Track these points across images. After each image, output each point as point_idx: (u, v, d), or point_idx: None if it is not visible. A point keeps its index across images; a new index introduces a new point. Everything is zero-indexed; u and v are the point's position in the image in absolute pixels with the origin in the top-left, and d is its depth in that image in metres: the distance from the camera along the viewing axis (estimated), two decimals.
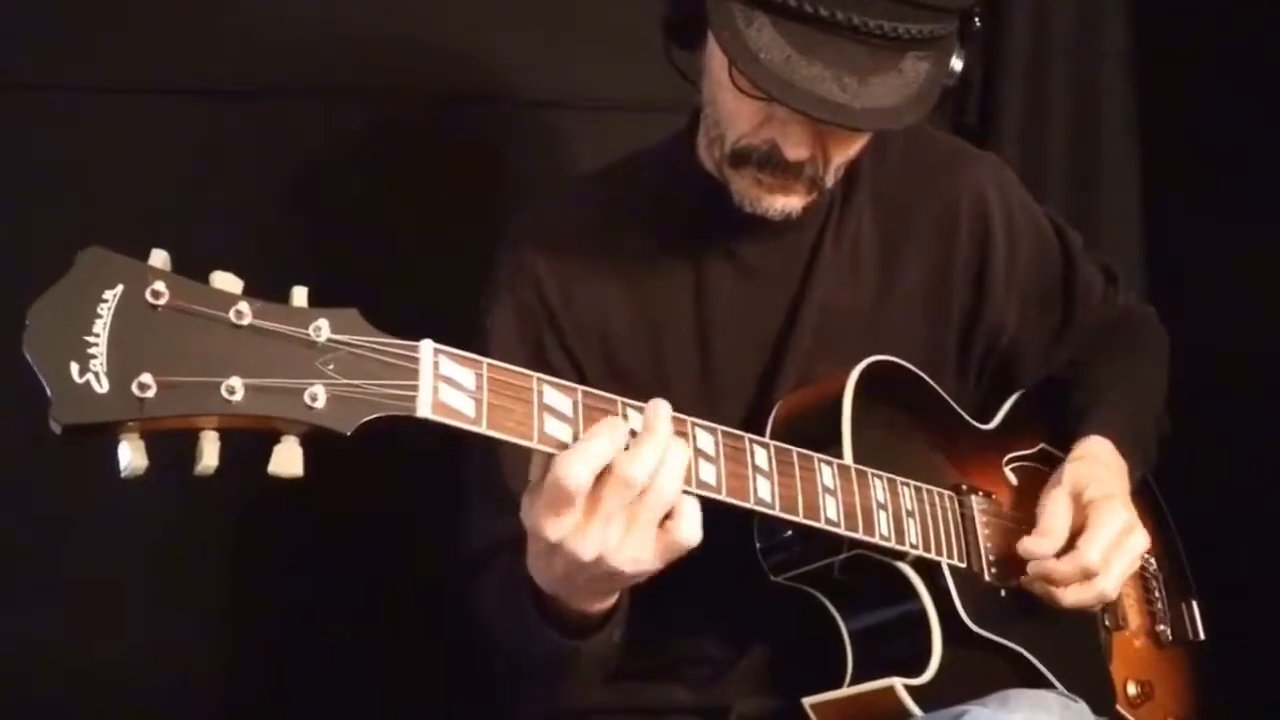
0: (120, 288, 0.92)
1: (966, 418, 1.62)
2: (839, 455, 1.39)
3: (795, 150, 1.40)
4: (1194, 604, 1.77)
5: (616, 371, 1.54)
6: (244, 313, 0.97)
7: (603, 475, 1.11)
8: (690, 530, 1.16)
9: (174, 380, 0.92)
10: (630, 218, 1.58)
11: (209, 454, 0.96)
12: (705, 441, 1.23)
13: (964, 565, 1.48)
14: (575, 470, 1.10)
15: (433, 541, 1.65)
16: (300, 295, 1.02)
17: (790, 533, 1.42)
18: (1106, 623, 1.64)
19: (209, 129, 2.01)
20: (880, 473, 1.41)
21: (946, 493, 1.50)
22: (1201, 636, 1.76)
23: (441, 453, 1.41)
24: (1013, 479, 1.62)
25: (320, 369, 0.99)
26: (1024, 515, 1.55)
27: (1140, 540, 1.49)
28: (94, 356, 0.90)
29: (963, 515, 1.51)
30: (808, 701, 1.45)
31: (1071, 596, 1.46)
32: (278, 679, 2.02)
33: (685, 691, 1.57)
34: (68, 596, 1.92)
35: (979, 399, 1.70)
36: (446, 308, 1.44)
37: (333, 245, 2.05)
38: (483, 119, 2.13)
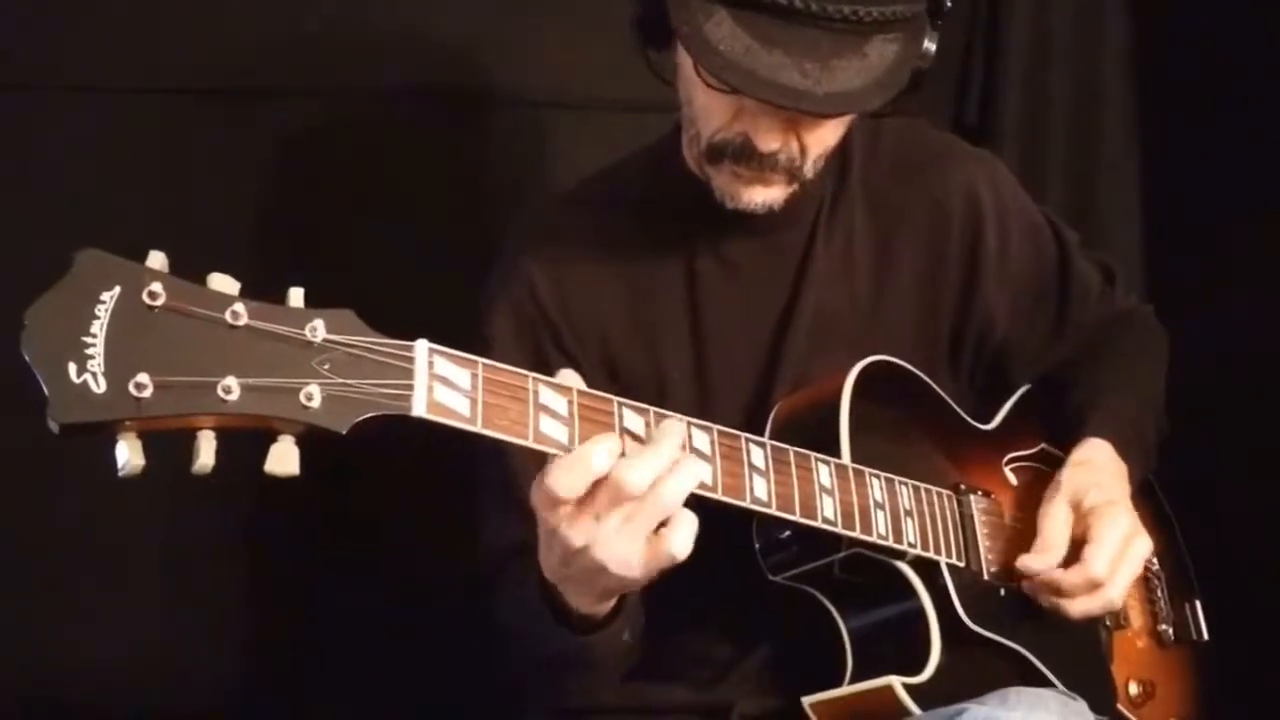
0: (117, 289, 0.93)
1: (965, 417, 1.62)
2: (838, 456, 1.39)
3: (767, 141, 1.40)
4: (1197, 604, 1.77)
5: (614, 374, 1.55)
6: (240, 313, 0.98)
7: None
8: (681, 544, 1.16)
9: (171, 380, 0.93)
10: (622, 221, 1.59)
11: (205, 453, 0.96)
12: (701, 441, 1.23)
13: (963, 564, 1.48)
14: (564, 481, 1.11)
15: (436, 540, 1.66)
16: (296, 296, 1.03)
17: (788, 532, 1.42)
18: (1108, 622, 1.64)
19: (209, 129, 2.02)
20: (878, 472, 1.41)
21: (945, 492, 1.50)
22: (1205, 636, 1.76)
23: (444, 451, 1.42)
24: (1012, 479, 1.62)
25: (316, 369, 1.00)
26: (1024, 515, 1.55)
27: (1143, 546, 1.49)
28: (91, 357, 0.91)
29: (961, 515, 1.51)
30: (807, 701, 1.45)
31: (1079, 607, 1.47)
32: (279, 677, 2.03)
33: (686, 691, 1.57)
34: (67, 597, 1.92)
35: (974, 397, 1.69)
36: (445, 307, 1.45)
37: (332, 245, 2.06)
38: (481, 119, 2.14)
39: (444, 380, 1.06)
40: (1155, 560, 1.73)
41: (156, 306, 0.94)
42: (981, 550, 1.51)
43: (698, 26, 1.29)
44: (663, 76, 1.49)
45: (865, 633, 1.46)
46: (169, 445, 0.96)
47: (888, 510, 1.40)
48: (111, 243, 0.96)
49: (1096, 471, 1.55)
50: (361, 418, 1.01)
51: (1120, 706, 1.60)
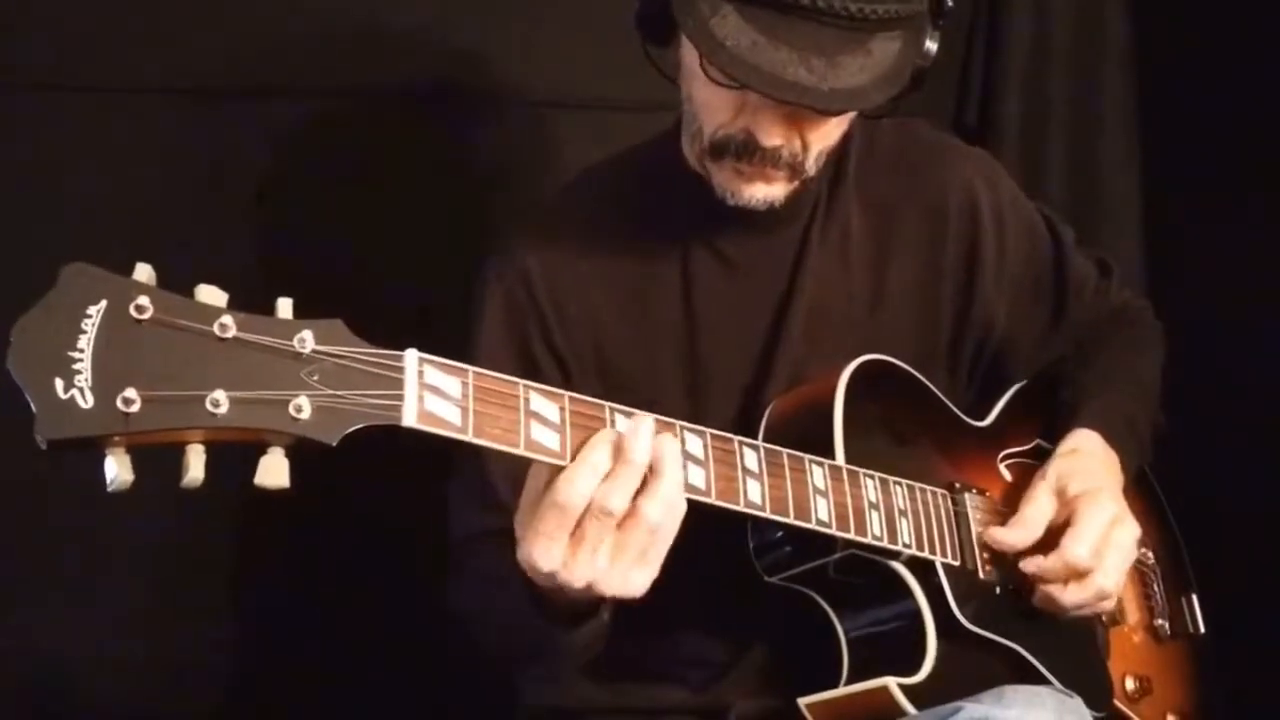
0: (104, 303, 0.93)
1: (960, 415, 1.62)
2: (831, 455, 1.39)
3: (770, 136, 1.40)
4: (1193, 598, 1.77)
5: (608, 370, 1.55)
6: (228, 326, 0.97)
7: (587, 511, 1.13)
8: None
9: (159, 394, 0.93)
10: (620, 216, 1.58)
11: (195, 467, 0.96)
12: (694, 445, 1.23)
13: (958, 563, 1.48)
14: (570, 492, 1.12)
15: (428, 541, 1.65)
16: (285, 307, 1.02)
17: (783, 534, 1.42)
18: (1104, 618, 1.64)
19: (208, 129, 2.02)
20: (872, 472, 1.41)
21: (940, 491, 1.50)
22: (1201, 630, 1.76)
23: (438, 455, 1.43)
24: (1007, 476, 1.62)
25: (305, 380, 1.00)
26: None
27: (1129, 531, 1.48)
28: (79, 372, 0.91)
29: (956, 513, 1.51)
30: (803, 701, 1.45)
31: (1070, 597, 1.46)
32: (276, 680, 2.03)
33: (683, 692, 1.58)
34: (66, 599, 1.93)
35: (971, 395, 1.69)
36: (444, 308, 1.45)
37: (331, 245, 2.05)
38: (481, 119, 2.13)
39: (434, 389, 1.06)
40: (1151, 555, 1.73)
41: (144, 320, 0.94)
42: (976, 549, 1.51)
43: (703, 21, 1.29)
44: (665, 72, 1.49)
45: (861, 633, 1.46)
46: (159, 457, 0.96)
47: (882, 511, 1.40)
48: (110, 242, 0.96)
49: (1083, 459, 1.55)
50: (352, 429, 1.01)
51: (1117, 702, 1.60)
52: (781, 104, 1.33)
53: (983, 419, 1.66)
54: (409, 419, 1.04)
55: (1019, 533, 1.47)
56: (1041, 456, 1.61)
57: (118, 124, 1.98)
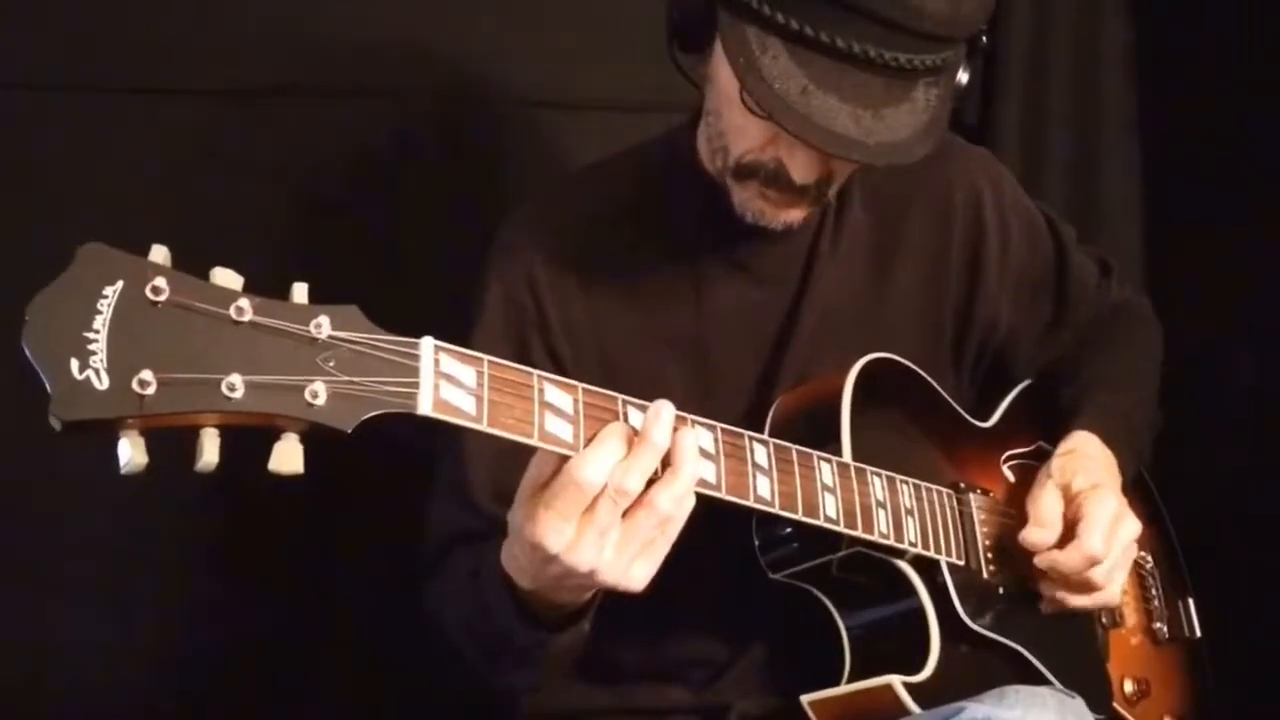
0: (120, 284, 0.92)
1: (965, 415, 1.62)
2: (838, 453, 1.39)
3: (803, 174, 1.40)
4: (1190, 602, 1.77)
5: (612, 373, 1.53)
6: (245, 309, 0.96)
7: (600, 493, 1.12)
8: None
9: (174, 377, 0.92)
10: (629, 215, 1.57)
11: (209, 451, 0.95)
12: (705, 439, 1.22)
13: (962, 563, 1.48)
14: (588, 472, 1.10)
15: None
16: (300, 292, 1.01)
17: (789, 530, 1.42)
18: (1104, 620, 1.65)
19: (209, 129, 2.01)
20: (879, 470, 1.41)
21: (945, 491, 1.50)
22: (1197, 634, 1.76)
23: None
24: (1010, 477, 1.62)
25: (321, 366, 0.99)
26: (1022, 513, 1.55)
27: (1131, 527, 1.49)
28: (94, 353, 0.90)
29: (961, 513, 1.51)
30: (806, 699, 1.44)
31: (1080, 592, 1.47)
32: (276, 681, 2.01)
33: (684, 691, 1.57)
34: (66, 596, 1.91)
35: (974, 393, 1.70)
36: (443, 308, 1.44)
37: (331, 245, 2.05)
38: (482, 119, 2.12)
39: (449, 378, 1.05)
40: (1150, 558, 1.74)
41: (160, 302, 0.93)
42: (980, 549, 1.51)
43: (753, 57, 1.28)
44: (689, 76, 1.48)
45: (864, 631, 1.46)
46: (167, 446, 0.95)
47: (889, 509, 1.39)
48: (112, 242, 0.95)
49: (1083, 459, 1.55)
50: (367, 416, 1.00)
51: (1115, 704, 1.60)
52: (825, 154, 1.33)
53: (986, 419, 1.66)
54: (424, 407, 1.03)
55: (1044, 532, 1.47)
56: (1043, 458, 1.61)
57: (118, 124, 1.96)
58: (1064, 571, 1.46)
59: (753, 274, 1.57)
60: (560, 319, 1.53)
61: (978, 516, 1.52)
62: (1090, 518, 1.46)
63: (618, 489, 1.12)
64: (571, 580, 1.17)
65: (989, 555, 1.51)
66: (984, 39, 1.40)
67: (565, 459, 1.12)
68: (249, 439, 0.98)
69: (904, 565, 1.43)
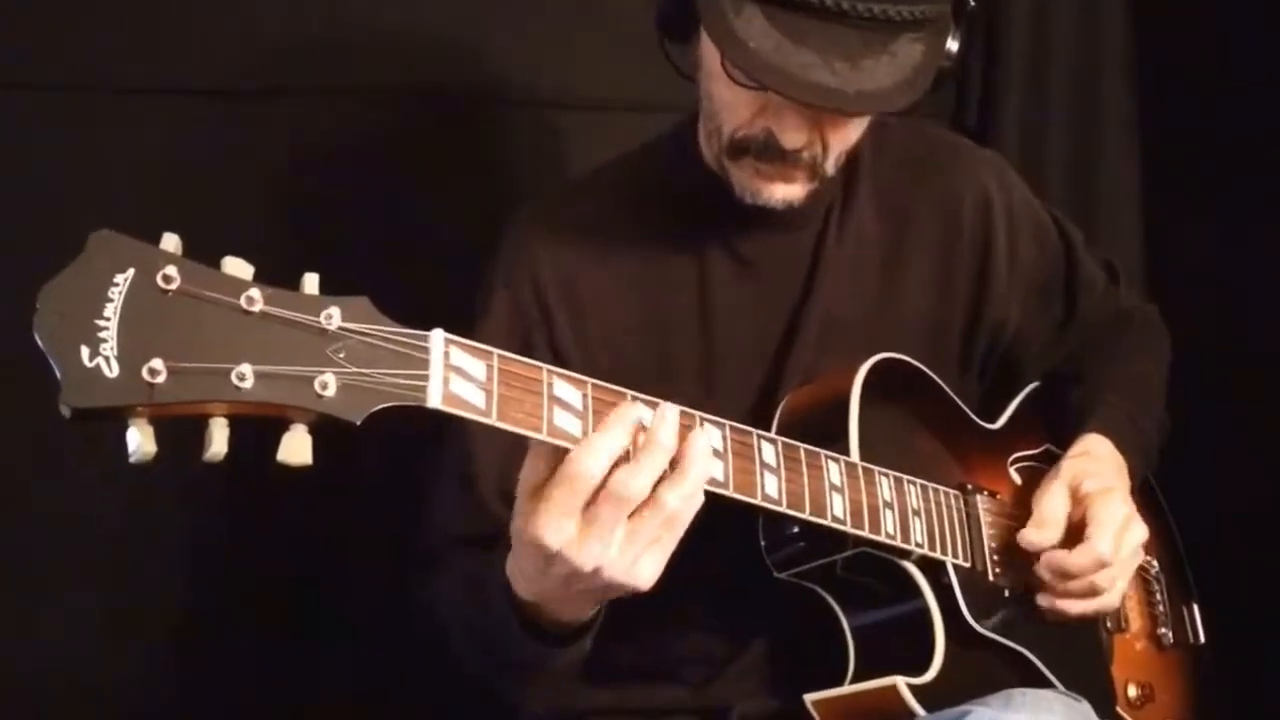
0: (131, 271, 0.91)
1: (972, 417, 1.62)
2: (845, 452, 1.38)
3: (792, 138, 1.40)
4: (1194, 607, 1.77)
5: (620, 371, 1.52)
6: (255, 299, 0.96)
7: (604, 490, 1.10)
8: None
9: (184, 366, 0.91)
10: (634, 215, 1.57)
11: (218, 441, 0.94)
12: (713, 436, 1.22)
13: (968, 565, 1.47)
14: (588, 463, 1.08)
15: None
16: (311, 283, 1.01)
17: (795, 529, 1.41)
18: (1108, 624, 1.64)
19: (209, 129, 2.00)
20: (887, 470, 1.40)
21: (952, 492, 1.49)
22: (1202, 640, 1.76)
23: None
24: (1017, 479, 1.62)
25: (331, 357, 0.98)
26: (1028, 515, 1.54)
27: (1139, 532, 1.49)
28: (104, 340, 0.89)
29: (968, 515, 1.50)
30: (809, 698, 1.44)
31: (1082, 596, 1.47)
32: (274, 681, 2.00)
33: (685, 691, 1.56)
34: (66, 596, 1.90)
35: (982, 396, 1.69)
36: (443, 309, 1.43)
37: (330, 246, 2.03)
38: (482, 119, 2.12)
39: (459, 371, 1.04)
40: (1155, 563, 1.74)
41: (170, 290, 0.92)
42: (986, 551, 1.50)
43: (727, 22, 1.29)
44: (682, 70, 1.48)
45: (869, 632, 1.45)
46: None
47: (896, 509, 1.39)
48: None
49: (1095, 461, 1.55)
50: (376, 408, 0.99)
51: (1119, 709, 1.60)
52: (804, 106, 1.33)
53: (994, 421, 1.66)
54: (434, 400, 1.02)
55: (1046, 532, 1.47)
56: (1050, 461, 1.61)
57: (126, 124, 1.96)
58: (1072, 573, 1.45)
59: (757, 270, 1.57)
60: (566, 321, 1.52)
61: (984, 518, 1.52)
62: (1100, 520, 1.45)
63: (623, 493, 1.09)
64: (578, 584, 1.15)
65: (995, 557, 1.51)
66: (972, 1, 1.40)
67: (563, 453, 1.10)
68: (254, 434, 0.97)
69: (910, 566, 1.43)
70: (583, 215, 1.58)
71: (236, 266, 0.97)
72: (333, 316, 0.99)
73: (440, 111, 2.09)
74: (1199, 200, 2.22)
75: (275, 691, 1.99)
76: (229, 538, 1.99)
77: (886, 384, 1.47)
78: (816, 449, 1.33)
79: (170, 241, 0.95)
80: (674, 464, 1.13)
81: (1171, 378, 1.80)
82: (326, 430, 0.99)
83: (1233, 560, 1.87)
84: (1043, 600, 1.50)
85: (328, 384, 0.97)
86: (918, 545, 1.41)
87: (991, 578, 1.50)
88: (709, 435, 1.20)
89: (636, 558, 1.13)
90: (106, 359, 0.89)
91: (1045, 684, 1.48)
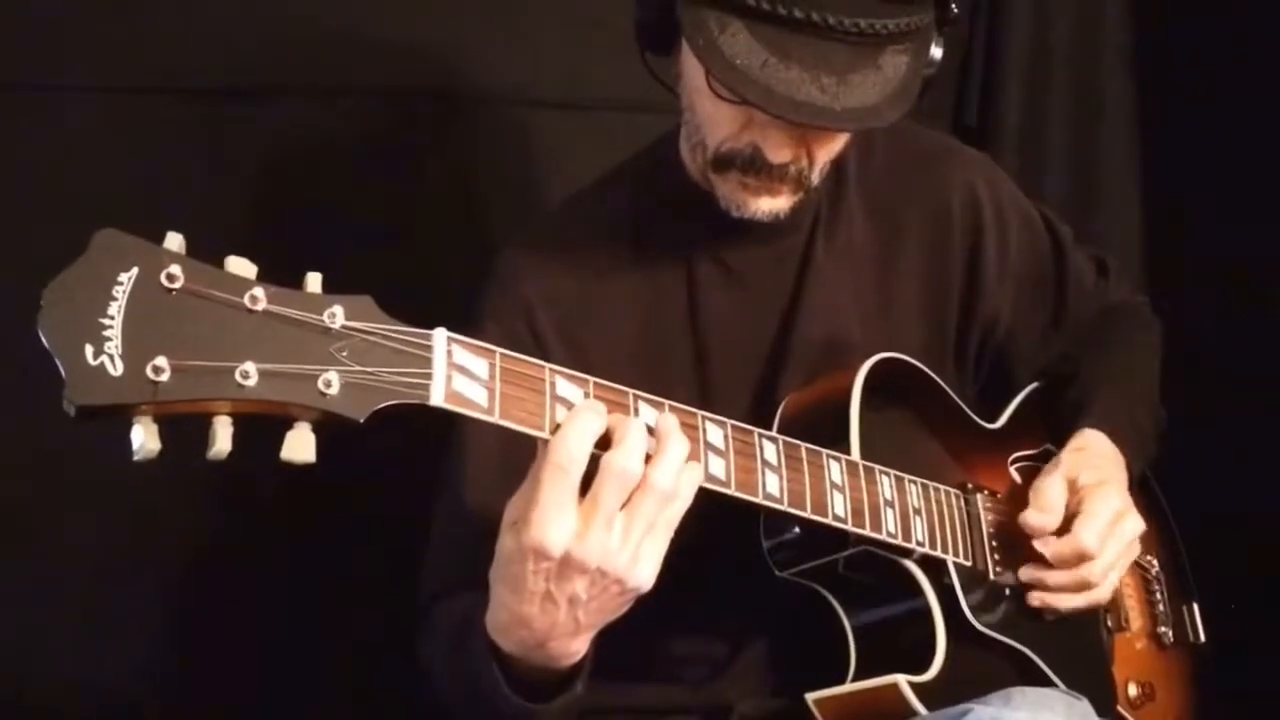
0: (135, 270, 0.92)
1: (973, 416, 1.62)
2: (846, 452, 1.39)
3: (778, 153, 1.40)
4: (1195, 606, 1.78)
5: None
6: (259, 298, 0.96)
7: (599, 476, 1.10)
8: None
9: (188, 364, 0.92)
10: (620, 234, 1.56)
11: (222, 439, 0.95)
12: (715, 435, 1.23)
13: (969, 564, 1.48)
14: (569, 445, 1.08)
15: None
16: (315, 281, 1.01)
17: (796, 528, 1.41)
18: (1109, 624, 1.65)
19: (209, 129, 2.00)
20: (888, 469, 1.40)
21: (953, 491, 1.50)
22: (1202, 639, 1.76)
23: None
24: (1017, 478, 1.62)
25: (334, 355, 0.99)
26: None
27: (1133, 525, 1.49)
28: (109, 339, 0.90)
29: (969, 514, 1.51)
30: (810, 697, 1.44)
31: (1066, 596, 1.47)
32: (274, 683, 2.01)
33: (686, 691, 1.56)
34: (65, 597, 1.90)
35: (976, 394, 1.70)
36: (443, 309, 1.43)
37: (330, 247, 2.02)
38: (480, 119, 2.12)
39: (462, 369, 1.05)
40: (1155, 562, 1.74)
41: (174, 289, 0.93)
42: (987, 549, 1.51)
43: (712, 39, 1.28)
44: (664, 81, 1.48)
45: (870, 630, 1.46)
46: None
47: (897, 508, 1.39)
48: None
49: (1093, 456, 1.56)
50: (379, 406, 1.00)
51: (1120, 708, 1.60)
52: (790, 123, 1.33)
53: (992, 421, 1.66)
54: (437, 398, 1.03)
55: (1044, 516, 1.47)
56: (1049, 460, 1.61)
57: (126, 124, 1.96)
58: (1053, 561, 1.46)
59: (746, 280, 1.56)
60: (560, 344, 1.51)
61: (985, 517, 1.52)
62: (1088, 512, 1.46)
63: (615, 469, 1.10)
64: (580, 600, 1.14)
65: (996, 556, 1.51)
66: (954, 8, 1.39)
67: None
68: (257, 434, 0.98)
69: (911, 565, 1.43)
70: (568, 243, 1.56)
71: (240, 266, 0.98)
72: (336, 315, 1.00)
73: (437, 112, 2.09)
74: (1199, 199, 2.22)
75: (275, 691, 1.99)
76: (229, 538, 1.99)
77: (887, 384, 1.47)
78: (818, 448, 1.33)
79: (174, 241, 0.96)
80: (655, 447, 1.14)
81: (1171, 377, 1.80)
82: (330, 428, 1.00)
83: (1233, 560, 1.88)
84: (1033, 600, 1.50)
85: (331, 382, 0.98)
86: (919, 544, 1.41)
87: (992, 576, 1.50)
88: (709, 433, 1.21)
89: (638, 547, 1.13)
90: (111, 357, 0.90)
91: (1046, 683, 1.48)
